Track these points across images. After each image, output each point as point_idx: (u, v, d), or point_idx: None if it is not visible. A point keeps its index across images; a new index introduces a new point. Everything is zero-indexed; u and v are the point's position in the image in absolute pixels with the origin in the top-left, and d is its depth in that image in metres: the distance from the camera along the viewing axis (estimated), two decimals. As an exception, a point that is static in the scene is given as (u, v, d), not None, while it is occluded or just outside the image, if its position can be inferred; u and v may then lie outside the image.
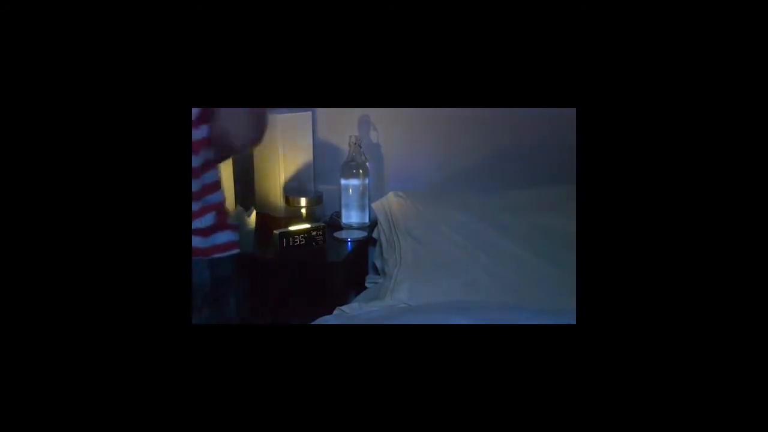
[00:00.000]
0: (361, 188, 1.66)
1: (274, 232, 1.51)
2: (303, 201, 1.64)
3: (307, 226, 1.54)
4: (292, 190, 1.69)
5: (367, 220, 1.69)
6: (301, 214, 1.65)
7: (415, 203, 1.60)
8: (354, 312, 1.27)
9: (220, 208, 1.00)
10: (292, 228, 1.53)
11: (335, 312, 1.29)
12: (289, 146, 1.68)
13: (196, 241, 0.95)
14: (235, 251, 0.99)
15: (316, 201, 1.67)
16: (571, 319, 0.76)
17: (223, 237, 0.98)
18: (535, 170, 1.69)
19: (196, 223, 0.96)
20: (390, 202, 1.64)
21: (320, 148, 1.78)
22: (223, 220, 0.99)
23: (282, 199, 1.68)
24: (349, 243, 1.61)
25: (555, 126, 1.60)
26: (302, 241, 1.52)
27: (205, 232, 0.97)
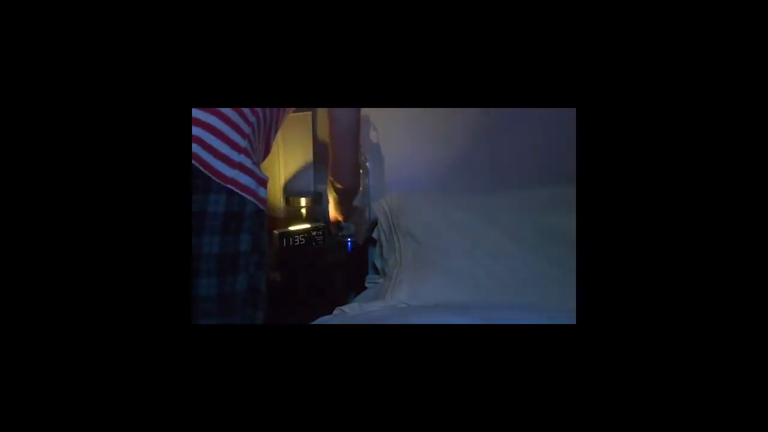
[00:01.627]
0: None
1: (274, 232, 1.51)
2: (303, 201, 1.64)
3: (307, 226, 1.54)
4: (292, 190, 1.69)
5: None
6: (301, 214, 1.65)
7: (415, 203, 1.60)
8: (354, 312, 1.27)
9: (254, 161, 1.07)
10: (292, 228, 1.52)
11: (335, 312, 1.28)
12: (289, 146, 1.68)
13: (220, 165, 0.99)
14: (249, 197, 1.01)
15: (316, 201, 1.67)
16: (571, 319, 0.76)
17: (246, 179, 1.01)
18: (536, 170, 1.69)
19: (227, 151, 1.01)
20: (390, 202, 1.63)
21: (320, 148, 1.78)
22: (255, 174, 1.04)
23: (282, 199, 1.68)
24: (349, 243, 1.61)
25: (555, 126, 1.60)
26: (302, 241, 1.52)
27: (232, 163, 1.01)
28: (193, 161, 0.95)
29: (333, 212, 1.52)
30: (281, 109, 1.19)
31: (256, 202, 1.03)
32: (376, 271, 1.64)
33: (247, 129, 1.03)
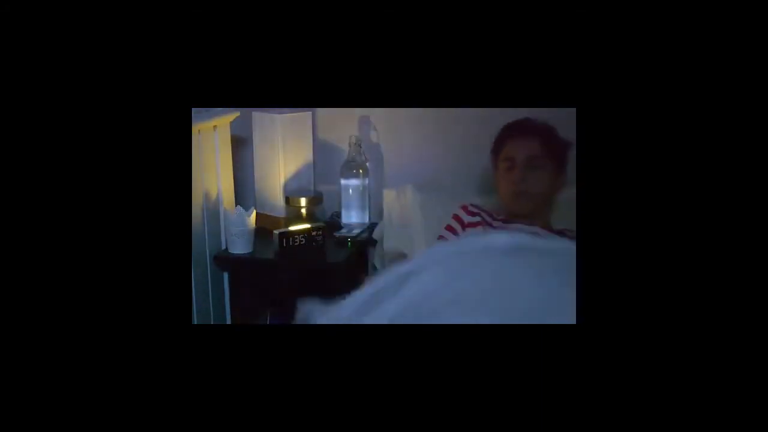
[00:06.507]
0: (361, 188, 1.66)
1: (274, 232, 1.51)
2: (303, 201, 1.64)
3: (307, 226, 1.54)
4: (292, 190, 1.69)
5: (367, 220, 1.69)
6: (301, 214, 1.65)
7: (430, 199, 1.58)
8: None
9: None
10: (292, 228, 1.53)
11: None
12: (289, 146, 1.68)
13: None
14: None
15: (316, 201, 1.67)
16: (571, 319, 0.76)
17: None
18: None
19: None
20: (407, 194, 1.61)
21: (320, 148, 1.78)
22: None
23: (282, 199, 1.68)
24: (349, 243, 1.61)
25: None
26: (302, 241, 1.52)
27: None
28: None
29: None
30: None
31: None
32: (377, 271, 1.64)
33: None
